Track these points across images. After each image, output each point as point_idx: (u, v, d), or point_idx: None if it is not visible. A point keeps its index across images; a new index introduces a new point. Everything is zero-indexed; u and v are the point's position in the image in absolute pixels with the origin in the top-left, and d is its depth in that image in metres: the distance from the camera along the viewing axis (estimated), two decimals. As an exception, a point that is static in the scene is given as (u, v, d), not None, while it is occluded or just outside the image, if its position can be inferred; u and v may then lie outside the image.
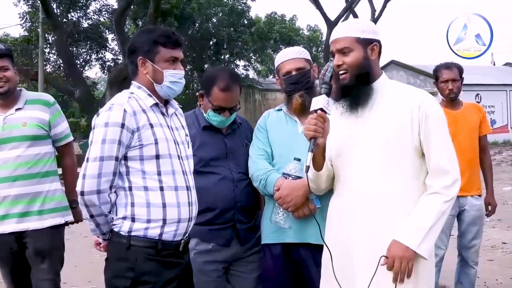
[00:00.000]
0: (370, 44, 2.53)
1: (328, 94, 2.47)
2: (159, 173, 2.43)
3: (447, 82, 4.21)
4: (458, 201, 4.20)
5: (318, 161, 2.56)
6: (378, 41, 2.57)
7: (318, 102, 2.44)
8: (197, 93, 2.91)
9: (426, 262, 2.44)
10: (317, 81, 3.20)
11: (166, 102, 2.63)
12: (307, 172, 2.45)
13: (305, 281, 2.98)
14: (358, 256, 2.45)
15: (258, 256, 3.15)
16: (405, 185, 2.45)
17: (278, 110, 3.23)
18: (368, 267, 2.39)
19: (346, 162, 2.53)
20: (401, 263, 2.32)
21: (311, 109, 2.47)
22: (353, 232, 2.46)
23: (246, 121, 3.36)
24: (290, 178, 2.91)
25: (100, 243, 2.62)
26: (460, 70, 4.30)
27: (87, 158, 2.37)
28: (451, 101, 4.22)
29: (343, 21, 24.27)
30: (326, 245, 2.54)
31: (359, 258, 2.45)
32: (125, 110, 2.37)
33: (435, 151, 2.43)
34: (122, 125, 2.36)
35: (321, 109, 2.43)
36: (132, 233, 2.40)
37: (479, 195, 4.30)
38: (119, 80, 18.32)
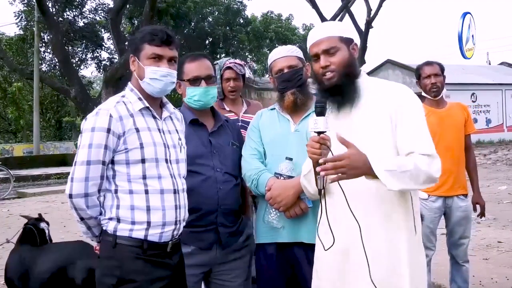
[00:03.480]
0: (351, 43, 2.55)
1: (323, 113, 2.35)
2: (144, 177, 2.43)
3: (429, 77, 4.24)
4: (444, 201, 4.22)
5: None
6: (355, 42, 2.58)
7: (318, 124, 2.32)
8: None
9: (418, 254, 2.45)
10: (309, 80, 3.19)
11: (162, 106, 2.63)
12: (320, 194, 2.38)
13: (299, 280, 2.97)
14: (354, 253, 2.42)
15: (241, 262, 3.11)
16: None
17: (271, 109, 3.21)
18: (364, 264, 2.36)
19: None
20: (345, 164, 2.21)
21: (310, 129, 2.37)
22: (347, 230, 2.42)
23: (233, 122, 3.33)
24: (282, 177, 2.89)
25: (97, 249, 2.62)
26: (441, 66, 4.34)
27: (75, 162, 2.38)
28: (435, 97, 4.22)
29: (339, 20, 24.20)
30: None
31: (355, 255, 2.41)
32: (110, 115, 2.39)
33: (411, 135, 2.39)
34: (108, 130, 2.37)
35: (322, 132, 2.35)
36: (118, 233, 2.41)
37: (465, 195, 4.30)
38: (115, 79, 18.26)
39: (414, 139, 2.40)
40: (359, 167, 2.25)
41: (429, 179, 2.37)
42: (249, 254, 3.18)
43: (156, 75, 2.48)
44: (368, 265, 2.32)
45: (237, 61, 4.14)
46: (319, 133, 2.33)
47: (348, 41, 2.53)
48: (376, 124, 2.44)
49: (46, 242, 4.15)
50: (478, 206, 4.39)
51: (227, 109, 4.00)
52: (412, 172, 2.31)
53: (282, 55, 3.08)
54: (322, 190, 2.37)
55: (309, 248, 2.78)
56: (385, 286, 2.35)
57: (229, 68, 4.01)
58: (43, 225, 4.13)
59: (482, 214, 4.43)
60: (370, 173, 2.27)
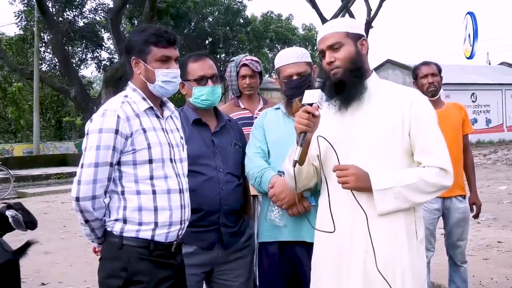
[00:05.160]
0: (359, 39, 2.51)
1: (322, 89, 2.42)
2: (151, 178, 2.42)
3: (426, 76, 4.25)
4: (443, 202, 4.21)
5: (303, 155, 2.51)
6: (365, 37, 2.55)
7: (312, 96, 2.38)
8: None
9: (418, 261, 2.42)
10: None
11: (162, 104, 2.62)
12: (294, 166, 2.39)
13: (300, 279, 2.96)
14: (350, 255, 2.41)
15: (243, 262, 3.11)
16: None
17: (276, 108, 3.21)
18: (361, 266, 2.37)
19: (335, 160, 2.45)
20: (346, 178, 2.31)
21: (303, 101, 2.42)
22: (344, 230, 2.41)
23: (235, 121, 3.34)
24: None
25: (97, 250, 2.61)
26: (438, 67, 4.34)
27: (82, 164, 2.33)
28: (432, 97, 4.20)
29: (339, 20, 23.95)
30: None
31: (351, 258, 2.40)
32: (118, 116, 2.36)
33: (428, 150, 2.39)
34: (116, 131, 2.33)
35: (316, 104, 2.39)
36: (124, 234, 2.40)
37: (463, 196, 4.29)
38: (115, 79, 18.27)
39: (431, 152, 2.40)
40: (361, 179, 2.32)
41: (439, 188, 2.39)
42: (251, 254, 3.18)
43: (168, 77, 2.47)
44: (374, 254, 2.30)
45: (254, 58, 4.13)
46: (311, 104, 2.37)
47: (355, 37, 2.49)
48: (385, 125, 2.42)
49: (10, 229, 4.28)
50: (474, 207, 4.39)
51: (242, 106, 4.01)
52: (417, 184, 2.33)
53: (291, 62, 3.03)
54: (297, 163, 2.39)
55: (311, 247, 2.78)
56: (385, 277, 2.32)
57: (245, 65, 4.00)
58: (8, 212, 4.22)
59: (476, 216, 4.43)
60: (370, 188, 2.32)
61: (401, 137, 2.40)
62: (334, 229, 2.36)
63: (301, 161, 2.50)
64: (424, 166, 2.38)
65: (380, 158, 2.39)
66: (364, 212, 2.32)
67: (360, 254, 2.38)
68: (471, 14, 23.33)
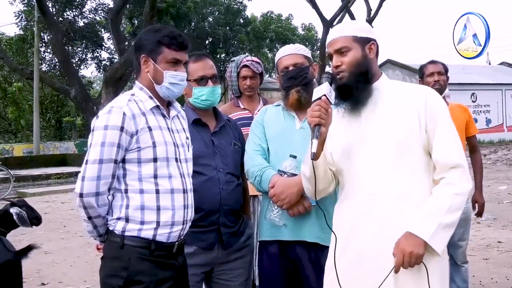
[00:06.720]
0: (368, 43, 2.50)
1: (330, 84, 2.39)
2: (155, 176, 2.42)
3: (432, 75, 4.26)
4: None
5: (318, 151, 2.43)
6: (375, 41, 2.53)
7: (321, 90, 2.35)
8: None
9: (441, 259, 2.38)
10: (315, 80, 3.17)
11: (168, 104, 2.63)
12: (313, 159, 2.34)
13: (301, 279, 2.95)
14: (373, 260, 2.36)
15: (242, 262, 3.12)
16: (418, 184, 2.37)
17: (277, 105, 3.20)
18: (385, 270, 2.31)
19: (354, 164, 2.45)
20: (409, 260, 2.23)
21: (313, 98, 2.38)
22: (368, 236, 2.37)
23: (234, 122, 3.35)
24: (286, 175, 2.87)
25: (99, 247, 2.63)
26: (445, 66, 4.36)
27: (86, 160, 2.35)
28: None
29: (339, 20, 24.13)
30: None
31: (375, 262, 2.35)
32: (124, 114, 2.37)
33: (444, 145, 2.36)
34: (121, 129, 2.34)
35: (325, 96, 2.35)
36: (126, 233, 2.40)
37: None
38: (115, 79, 18.28)
39: (446, 148, 2.36)
40: (416, 243, 2.25)
41: (467, 192, 2.36)
42: (250, 254, 3.18)
43: (175, 80, 2.48)
44: (426, 269, 2.28)
45: (254, 58, 4.13)
46: (321, 97, 2.34)
47: (363, 41, 2.48)
48: (401, 124, 2.39)
49: (15, 226, 4.29)
50: (476, 205, 4.38)
51: (242, 106, 4.01)
52: (453, 203, 2.30)
53: (288, 53, 3.06)
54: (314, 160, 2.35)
55: (312, 247, 2.77)
56: None
57: (246, 66, 4.00)
58: (12, 210, 4.23)
59: (479, 214, 4.42)
60: (424, 241, 2.25)
61: (419, 134, 2.38)
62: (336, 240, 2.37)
63: (316, 155, 2.44)
64: (443, 177, 2.34)
65: (399, 156, 2.38)
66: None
67: (390, 259, 2.31)
68: (477, 15, 23.29)
